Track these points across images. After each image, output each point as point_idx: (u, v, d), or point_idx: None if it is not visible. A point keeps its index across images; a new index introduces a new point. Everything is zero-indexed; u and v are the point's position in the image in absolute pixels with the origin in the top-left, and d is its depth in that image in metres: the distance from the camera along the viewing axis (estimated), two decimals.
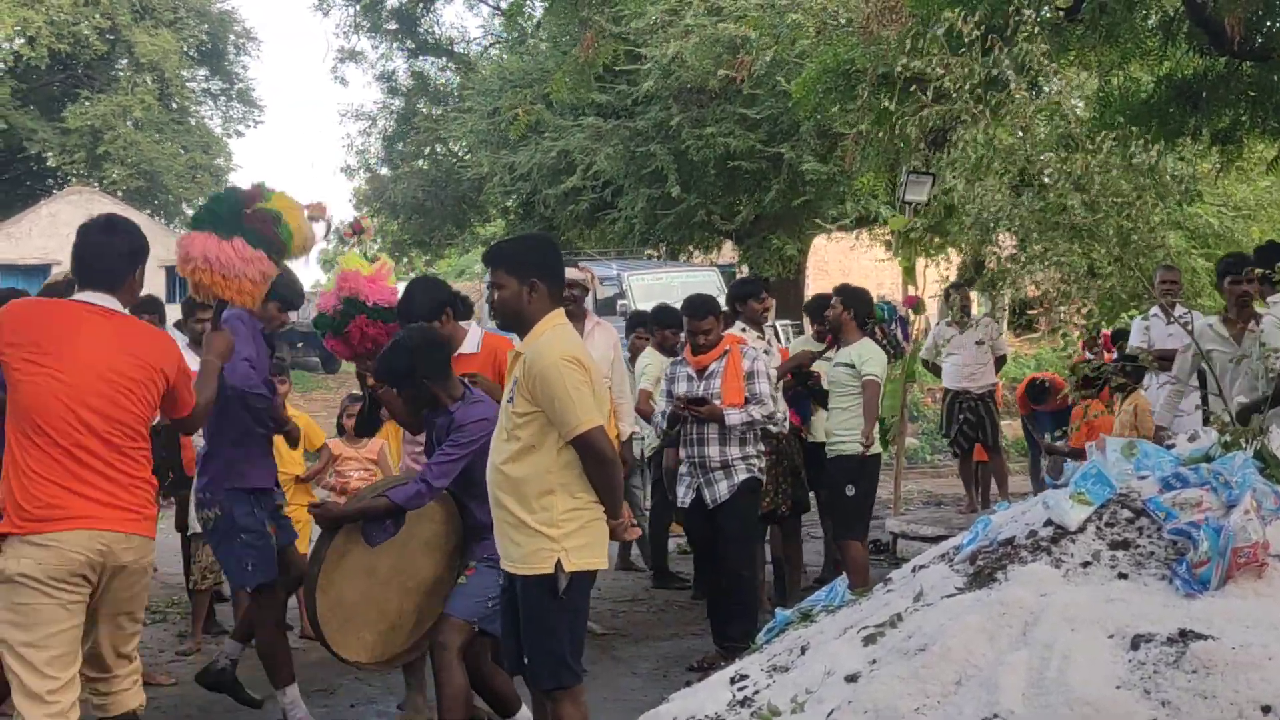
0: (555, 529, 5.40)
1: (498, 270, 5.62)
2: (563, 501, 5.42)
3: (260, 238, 6.02)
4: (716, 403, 8.60)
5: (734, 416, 8.55)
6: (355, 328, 7.37)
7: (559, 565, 5.38)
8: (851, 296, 10.01)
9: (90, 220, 5.60)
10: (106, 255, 5.37)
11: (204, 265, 5.95)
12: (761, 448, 8.88)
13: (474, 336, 7.24)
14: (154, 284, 29.80)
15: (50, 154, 44.08)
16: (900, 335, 11.94)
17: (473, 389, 6.43)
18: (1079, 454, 11.55)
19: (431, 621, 6.51)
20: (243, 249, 5.96)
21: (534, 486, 5.43)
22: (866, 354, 9.64)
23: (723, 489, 8.65)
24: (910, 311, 12.59)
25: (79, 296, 5.35)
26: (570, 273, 9.13)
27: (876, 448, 9.86)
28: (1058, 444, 12.07)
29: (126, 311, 5.40)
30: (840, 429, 9.70)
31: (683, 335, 9.83)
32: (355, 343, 7.43)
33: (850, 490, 9.62)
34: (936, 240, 12.93)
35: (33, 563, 4.95)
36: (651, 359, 11.18)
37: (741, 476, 8.65)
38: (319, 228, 6.63)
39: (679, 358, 9.17)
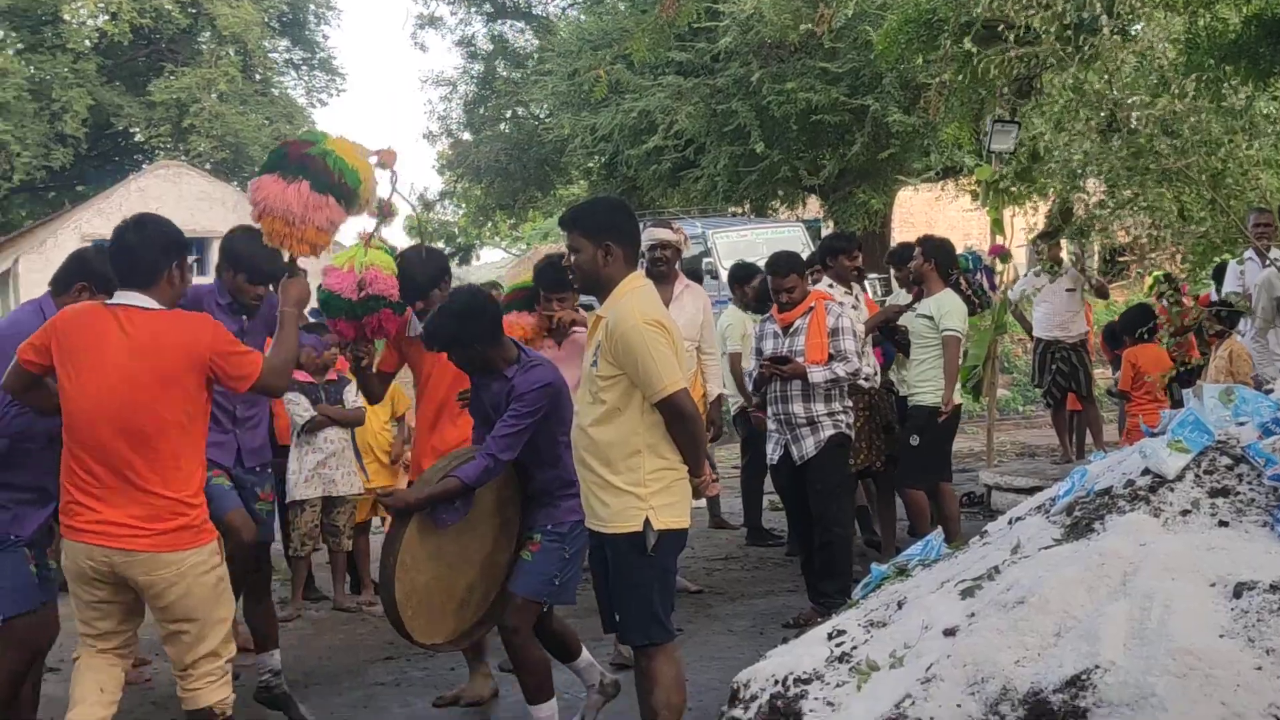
0: (643, 488, 5.42)
1: (573, 234, 5.62)
2: (649, 462, 5.44)
3: (325, 183, 5.88)
4: (800, 360, 8.59)
5: (817, 374, 8.53)
6: (375, 319, 7.05)
7: (647, 523, 5.42)
8: (934, 247, 9.96)
9: (123, 220, 5.58)
10: (137, 251, 5.33)
11: (267, 211, 5.87)
12: (849, 403, 8.84)
13: None
14: None
15: (137, 129, 44.56)
16: (986, 284, 11.84)
17: (528, 350, 6.35)
18: (1125, 396, 11.58)
19: (494, 591, 6.41)
20: (306, 193, 5.84)
21: (621, 448, 5.44)
22: (946, 306, 9.60)
23: (809, 445, 8.63)
24: (997, 260, 12.49)
25: (114, 298, 5.35)
26: (663, 233, 9.11)
27: (956, 399, 9.81)
28: (1110, 388, 12.04)
29: (158, 307, 5.29)
30: (918, 380, 9.68)
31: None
32: (370, 331, 7.10)
33: (914, 440, 9.60)
34: (1023, 188, 12.76)
35: (63, 557, 5.31)
36: (733, 318, 11.21)
37: (828, 432, 8.63)
38: (384, 176, 6.46)
39: (767, 315, 9.16)
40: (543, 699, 6.21)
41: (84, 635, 5.39)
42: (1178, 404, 9.66)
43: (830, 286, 9.62)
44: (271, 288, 6.89)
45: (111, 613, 5.34)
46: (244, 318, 6.84)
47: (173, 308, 5.38)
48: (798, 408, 8.61)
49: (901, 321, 10.10)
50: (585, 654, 6.57)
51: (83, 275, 6.06)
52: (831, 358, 8.57)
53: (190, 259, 7.80)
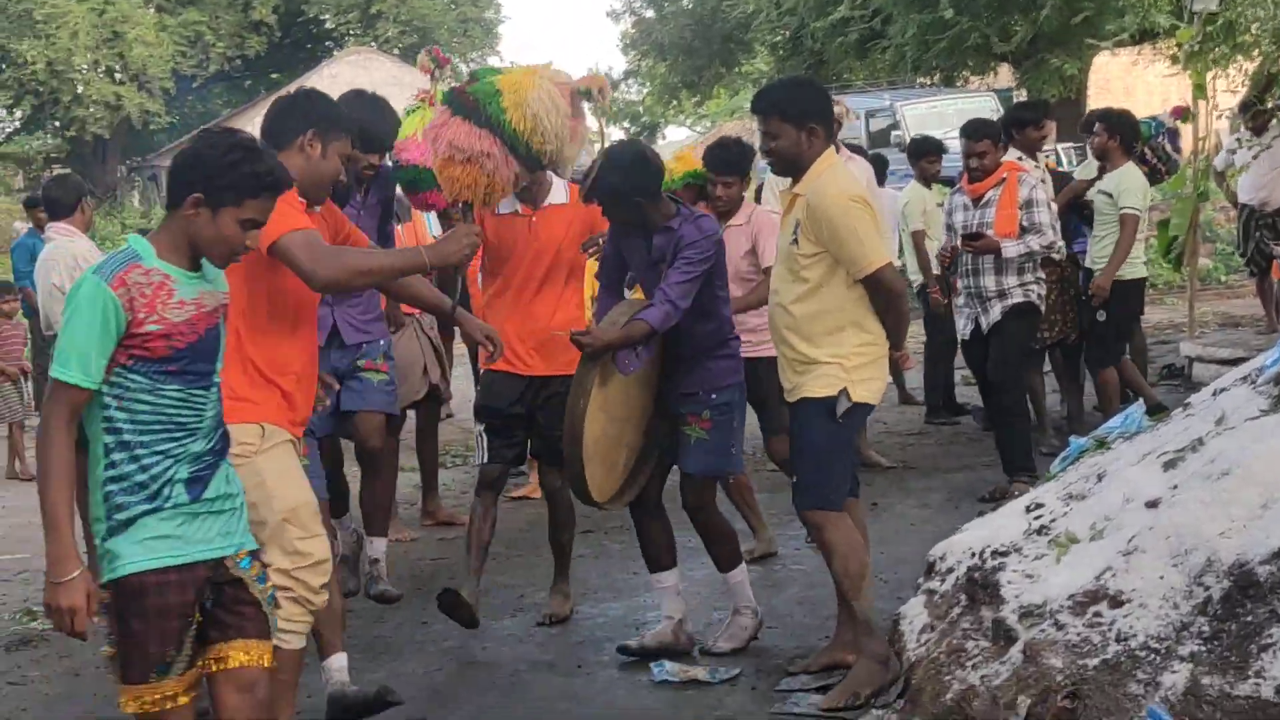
0: (847, 361, 5.43)
1: (771, 119, 5.53)
2: (854, 336, 5.44)
3: (462, 105, 5.69)
4: (990, 234, 8.46)
5: (1011, 249, 8.38)
6: None
7: (844, 392, 5.41)
8: (1116, 121, 9.69)
9: None
10: (275, 113, 5.07)
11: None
12: (1041, 275, 8.67)
13: (560, 186, 6.65)
14: None
15: (327, 16, 45.17)
16: (1170, 149, 11.49)
17: (684, 205, 6.18)
18: None
19: (634, 458, 6.16)
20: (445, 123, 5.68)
21: (823, 323, 5.44)
22: (1126, 183, 9.35)
23: (996, 312, 8.52)
24: (1178, 122, 12.12)
25: None
26: None
27: (1140, 272, 9.63)
28: None
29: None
30: (1100, 256, 9.47)
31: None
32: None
33: (1102, 316, 9.40)
34: (1227, 50, 12.31)
35: None
36: (914, 194, 11.05)
37: (1015, 300, 8.50)
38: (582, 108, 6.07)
39: (957, 187, 9.04)
40: (736, 564, 6.26)
41: None
42: None
43: (1020, 159, 9.44)
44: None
45: None
46: (356, 194, 6.49)
47: (312, 183, 4.91)
48: (989, 281, 8.50)
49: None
50: (674, 574, 6.30)
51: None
52: (1025, 230, 8.43)
53: None
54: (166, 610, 3.83)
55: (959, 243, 8.59)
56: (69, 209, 8.05)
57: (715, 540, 6.27)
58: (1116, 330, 9.49)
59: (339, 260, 4.75)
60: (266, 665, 4.05)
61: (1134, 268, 9.43)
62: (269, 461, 4.70)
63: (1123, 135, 9.56)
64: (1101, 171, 9.72)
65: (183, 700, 3.90)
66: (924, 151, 11.26)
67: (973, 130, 8.79)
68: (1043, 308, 8.79)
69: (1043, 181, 9.26)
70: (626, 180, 5.91)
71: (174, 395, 3.84)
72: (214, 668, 3.98)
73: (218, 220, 3.85)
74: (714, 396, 6.05)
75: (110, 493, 3.82)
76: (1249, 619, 4.21)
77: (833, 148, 5.64)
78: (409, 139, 6.39)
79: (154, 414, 3.83)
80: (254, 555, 4.07)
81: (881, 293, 5.42)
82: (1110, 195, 9.35)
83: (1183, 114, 11.95)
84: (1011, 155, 9.34)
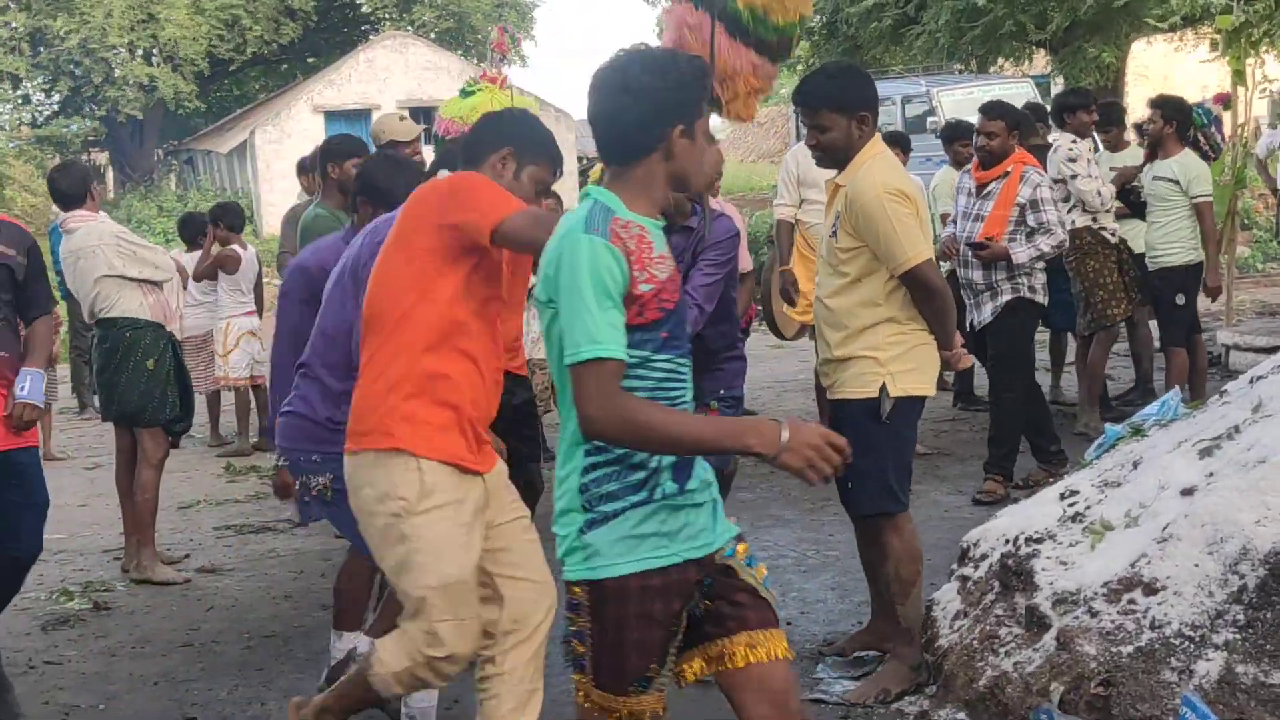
0: (881, 353, 5.29)
1: (822, 112, 5.37)
2: (888, 328, 5.30)
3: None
4: (994, 241, 8.29)
5: (1021, 254, 8.18)
6: None
7: (884, 389, 5.30)
8: (1172, 109, 9.63)
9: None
10: (478, 125, 4.72)
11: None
12: (1041, 266, 8.49)
13: None
14: None
15: (363, 0, 45.26)
16: (1218, 136, 11.45)
17: (699, 204, 6.04)
18: None
19: None
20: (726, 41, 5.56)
21: (860, 319, 5.32)
22: (1191, 170, 9.32)
23: (986, 312, 8.37)
24: (1220, 108, 12.05)
25: None
26: None
27: (1200, 255, 9.59)
28: None
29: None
30: (1162, 242, 9.44)
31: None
32: None
33: (1180, 299, 9.43)
34: (1270, 30, 12.18)
35: None
36: (944, 178, 11.00)
37: (1006, 297, 8.30)
38: None
39: (967, 168, 8.94)
40: None
41: None
42: None
43: (1073, 143, 9.40)
44: None
45: None
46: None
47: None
48: (977, 275, 8.34)
49: (1137, 183, 9.87)
50: None
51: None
52: (1034, 231, 8.25)
53: (420, 128, 7.79)
54: (650, 619, 3.37)
55: (964, 246, 8.45)
56: (80, 199, 7.83)
57: None
58: (1191, 310, 9.64)
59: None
60: (780, 656, 3.50)
61: (1197, 252, 9.47)
62: (429, 528, 4.16)
63: (1178, 122, 9.53)
64: (1149, 158, 9.69)
65: (660, 710, 3.47)
66: (957, 135, 11.20)
67: (989, 108, 8.60)
68: (1043, 300, 8.56)
69: (1088, 161, 9.28)
70: None
71: (664, 367, 3.39)
72: (725, 665, 3.48)
73: (696, 141, 3.44)
74: (723, 392, 6.02)
75: (594, 480, 3.36)
76: None
77: (878, 135, 5.51)
78: (461, 122, 6.18)
79: (645, 391, 3.35)
80: (738, 539, 3.56)
81: (921, 290, 5.28)
82: (1176, 182, 9.33)
83: (1225, 101, 11.89)
84: (1066, 139, 9.35)
